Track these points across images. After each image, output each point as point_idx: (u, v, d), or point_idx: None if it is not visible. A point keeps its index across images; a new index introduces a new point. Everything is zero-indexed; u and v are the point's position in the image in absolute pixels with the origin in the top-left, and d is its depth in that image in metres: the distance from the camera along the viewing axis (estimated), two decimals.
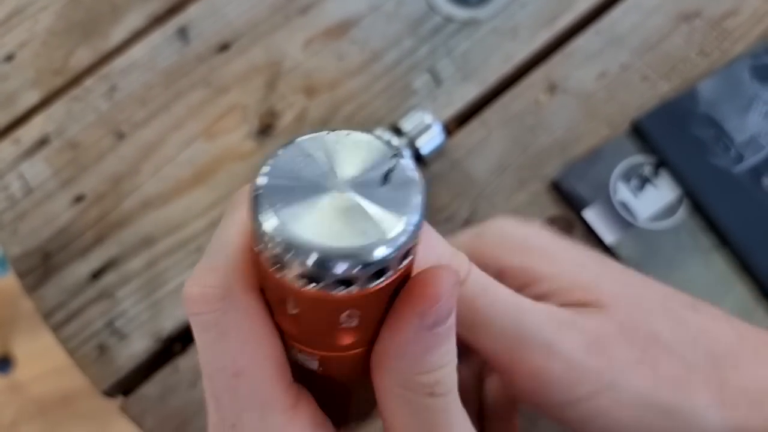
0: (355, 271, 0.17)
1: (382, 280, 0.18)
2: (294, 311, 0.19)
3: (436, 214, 0.45)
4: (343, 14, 0.50)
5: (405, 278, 0.19)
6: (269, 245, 0.17)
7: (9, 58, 0.50)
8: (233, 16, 0.50)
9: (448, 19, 0.49)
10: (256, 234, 0.17)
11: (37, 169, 0.48)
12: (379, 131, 0.42)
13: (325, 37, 0.49)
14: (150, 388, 0.43)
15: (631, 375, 0.22)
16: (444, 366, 0.20)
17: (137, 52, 0.50)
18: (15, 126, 0.49)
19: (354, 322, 0.19)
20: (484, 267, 0.22)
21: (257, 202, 0.17)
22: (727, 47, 0.47)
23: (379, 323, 0.20)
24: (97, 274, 0.45)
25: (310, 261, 0.17)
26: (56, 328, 0.44)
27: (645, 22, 0.48)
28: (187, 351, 0.43)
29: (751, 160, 0.43)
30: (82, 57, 0.50)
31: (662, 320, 0.24)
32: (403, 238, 0.17)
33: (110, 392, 0.44)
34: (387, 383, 0.20)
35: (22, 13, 0.51)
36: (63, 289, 0.45)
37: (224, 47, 0.50)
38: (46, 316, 0.44)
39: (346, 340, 0.20)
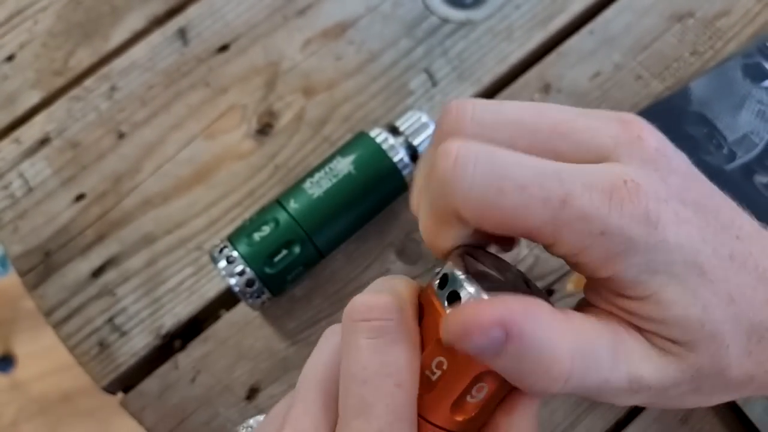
0: None
1: None
2: (438, 370, 0.22)
3: None
4: (340, 15, 0.50)
5: None
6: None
7: (9, 58, 0.51)
8: (232, 17, 0.51)
9: (444, 20, 0.50)
10: None
11: (37, 169, 0.48)
12: (376, 130, 0.43)
13: (323, 38, 0.50)
14: (150, 385, 0.43)
15: (669, 401, 0.24)
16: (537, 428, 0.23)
17: (137, 52, 0.50)
18: (15, 126, 0.49)
19: (480, 396, 0.22)
20: (595, 265, 0.21)
21: None
22: (719, 47, 0.48)
23: (490, 411, 0.23)
24: (97, 272, 0.46)
25: None
26: (57, 326, 0.45)
27: (638, 22, 0.49)
28: (187, 348, 0.44)
29: (744, 157, 0.44)
30: (82, 57, 0.51)
31: (734, 349, 0.23)
32: None
33: (110, 388, 0.44)
34: None
35: (22, 13, 0.52)
36: (64, 286, 0.45)
37: (223, 48, 0.50)
38: (47, 313, 0.45)
39: (467, 415, 0.22)
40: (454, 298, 0.21)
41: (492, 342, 0.19)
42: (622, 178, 0.21)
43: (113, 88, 0.50)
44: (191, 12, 0.51)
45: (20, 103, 0.50)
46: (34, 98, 0.50)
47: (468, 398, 0.22)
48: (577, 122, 0.22)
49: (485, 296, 0.21)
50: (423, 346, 0.22)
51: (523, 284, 0.25)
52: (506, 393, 0.23)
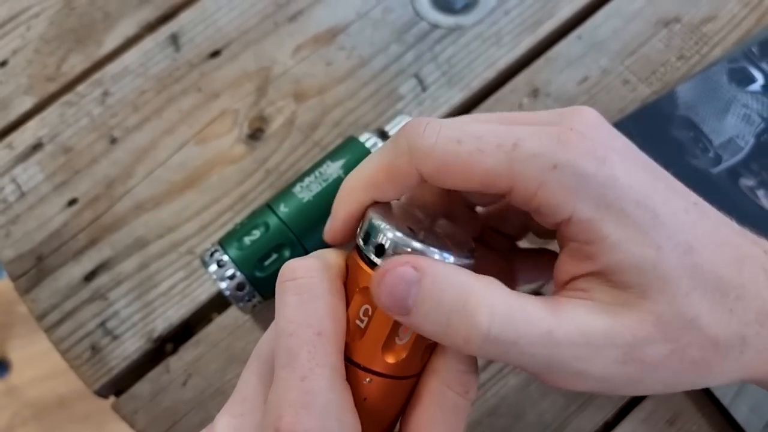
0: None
1: None
2: (365, 319, 0.23)
3: None
4: (331, 21, 0.51)
5: None
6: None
7: (2, 64, 0.51)
8: (224, 23, 0.51)
9: (434, 26, 0.50)
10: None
11: (30, 174, 0.48)
12: (365, 134, 0.43)
13: (314, 44, 0.50)
14: (141, 388, 0.44)
15: (661, 371, 0.23)
16: (475, 372, 0.24)
17: (129, 58, 0.51)
18: (8, 131, 0.50)
19: (407, 337, 0.23)
20: (542, 209, 0.23)
21: None
22: (706, 52, 0.49)
23: (424, 351, 0.24)
24: (89, 276, 0.46)
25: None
26: (49, 330, 0.45)
27: (626, 28, 0.49)
28: (179, 351, 0.44)
29: (729, 161, 0.45)
30: (75, 63, 0.51)
31: (703, 301, 0.22)
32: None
33: (102, 392, 0.44)
34: (433, 383, 0.24)
35: (15, 19, 0.52)
36: (56, 291, 0.46)
37: (215, 53, 0.51)
38: (40, 317, 0.45)
39: (398, 357, 0.24)
40: (380, 251, 0.23)
41: (405, 282, 0.22)
42: (569, 127, 0.23)
43: (106, 94, 0.50)
44: (183, 18, 0.52)
45: (13, 108, 0.50)
46: (26, 104, 0.50)
47: (396, 340, 0.23)
48: (522, 114, 0.25)
49: (412, 242, 0.23)
50: (349, 300, 0.24)
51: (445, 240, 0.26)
52: None
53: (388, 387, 0.24)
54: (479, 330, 0.21)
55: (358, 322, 0.24)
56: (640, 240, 0.22)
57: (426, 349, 0.24)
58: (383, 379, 0.24)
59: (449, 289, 0.22)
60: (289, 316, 0.23)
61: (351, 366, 0.24)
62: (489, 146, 0.22)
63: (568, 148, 0.22)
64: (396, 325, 0.23)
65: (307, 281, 0.24)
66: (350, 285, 0.24)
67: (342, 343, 0.23)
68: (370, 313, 0.23)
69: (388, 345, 0.23)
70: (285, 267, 0.24)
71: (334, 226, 0.26)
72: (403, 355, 0.23)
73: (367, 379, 0.23)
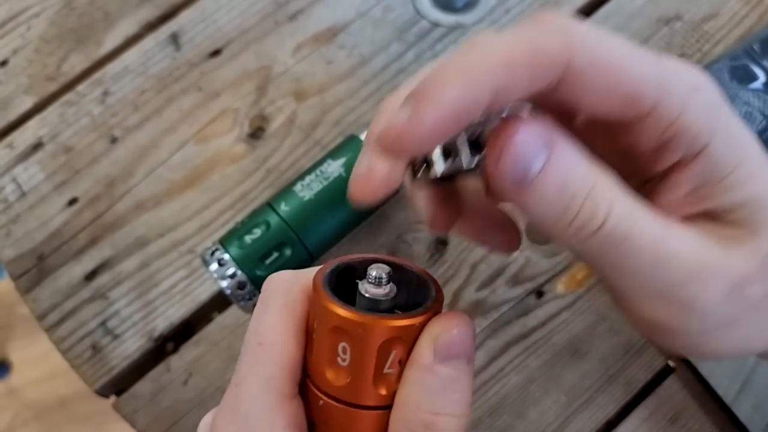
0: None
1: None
2: (345, 356, 0.22)
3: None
4: (331, 20, 0.51)
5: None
6: None
7: (2, 64, 0.51)
8: (224, 22, 0.51)
9: (435, 24, 0.50)
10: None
11: (30, 173, 0.48)
12: (367, 132, 0.43)
13: (314, 43, 0.50)
14: (142, 387, 0.44)
15: (756, 314, 0.22)
16: (446, 415, 0.21)
17: (129, 57, 0.51)
18: (8, 131, 0.50)
19: (396, 365, 0.22)
20: (678, 137, 0.21)
21: None
22: (707, 49, 0.48)
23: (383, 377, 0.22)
24: (90, 276, 0.46)
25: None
26: (50, 329, 0.45)
27: (627, 26, 0.49)
28: (179, 350, 0.44)
29: None
30: (75, 63, 0.51)
31: None
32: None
33: (103, 391, 0.44)
34: (395, 416, 0.22)
35: (15, 19, 0.52)
36: (57, 290, 0.46)
37: (215, 53, 0.51)
38: (40, 317, 0.45)
39: (391, 386, 0.22)
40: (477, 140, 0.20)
41: (533, 150, 0.19)
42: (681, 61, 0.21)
43: (106, 93, 0.50)
44: (183, 17, 0.51)
45: (13, 108, 0.50)
46: (27, 103, 0.50)
47: (386, 370, 0.22)
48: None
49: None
50: (316, 332, 0.23)
51: None
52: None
53: (341, 414, 0.22)
54: (597, 219, 0.19)
55: (340, 361, 0.22)
56: (761, 177, 0.21)
57: (384, 379, 0.22)
58: (336, 404, 0.22)
59: (579, 170, 0.19)
60: (249, 326, 0.24)
61: (309, 384, 0.23)
62: (639, 53, 0.20)
63: (698, 74, 0.21)
64: (381, 356, 0.22)
65: (268, 294, 0.24)
66: (318, 319, 0.22)
67: (289, 356, 0.22)
68: (348, 350, 0.22)
69: (378, 377, 0.22)
70: (267, 278, 0.24)
71: (424, 113, 0.18)
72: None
73: (320, 402, 0.22)
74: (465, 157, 0.20)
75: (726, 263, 0.21)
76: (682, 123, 0.20)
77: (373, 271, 0.22)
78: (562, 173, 0.19)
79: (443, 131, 0.18)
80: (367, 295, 0.22)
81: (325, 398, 0.22)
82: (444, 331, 0.21)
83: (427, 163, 0.21)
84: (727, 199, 0.21)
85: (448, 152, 0.21)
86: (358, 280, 0.23)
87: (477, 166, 0.20)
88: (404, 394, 0.22)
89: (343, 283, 0.24)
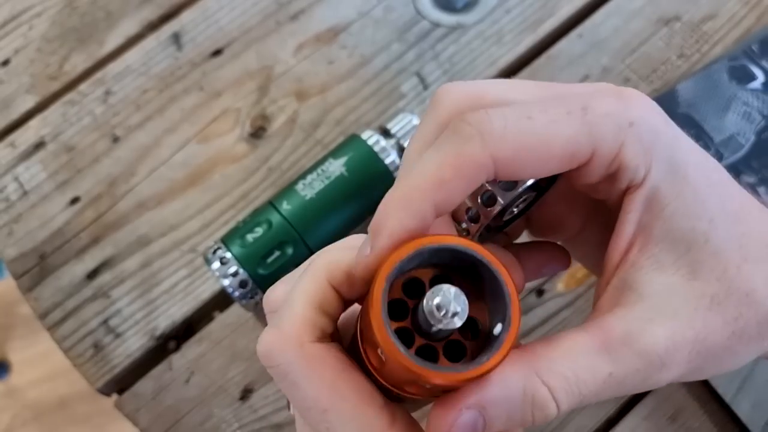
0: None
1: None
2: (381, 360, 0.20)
3: None
4: (333, 20, 0.51)
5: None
6: None
7: (4, 63, 0.51)
8: (225, 22, 0.51)
9: (435, 25, 0.50)
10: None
11: (32, 172, 0.48)
12: (367, 132, 0.43)
13: (316, 43, 0.51)
14: (144, 386, 0.44)
15: (723, 356, 0.22)
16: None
17: (131, 57, 0.51)
18: (10, 130, 0.50)
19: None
20: (621, 171, 0.22)
21: None
22: (706, 50, 0.49)
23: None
24: (92, 274, 0.46)
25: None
26: (52, 328, 0.45)
27: (626, 26, 0.49)
28: (181, 349, 0.44)
29: (730, 158, 0.45)
30: (77, 62, 0.51)
31: (756, 272, 0.22)
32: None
33: (105, 390, 0.44)
34: None
35: (17, 19, 0.52)
36: (59, 289, 0.46)
37: (217, 52, 0.51)
38: (42, 316, 0.45)
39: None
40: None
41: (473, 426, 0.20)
42: (618, 90, 0.22)
43: (108, 93, 0.50)
44: (185, 17, 0.52)
45: (15, 107, 0.50)
46: (29, 103, 0.50)
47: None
48: (558, 84, 0.24)
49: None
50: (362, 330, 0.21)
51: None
52: None
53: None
54: (552, 407, 0.21)
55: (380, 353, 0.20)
56: (695, 212, 0.22)
57: None
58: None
59: (511, 398, 0.20)
60: (291, 400, 0.23)
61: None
62: (560, 115, 0.21)
63: (633, 105, 0.21)
64: None
65: (279, 369, 0.22)
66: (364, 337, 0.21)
67: (351, 409, 0.21)
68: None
69: None
70: (259, 343, 0.22)
71: (379, 247, 0.20)
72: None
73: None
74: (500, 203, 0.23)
75: (675, 340, 0.21)
76: (621, 159, 0.21)
77: (439, 299, 0.19)
78: (504, 413, 0.20)
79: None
80: (429, 325, 0.19)
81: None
82: (448, 426, 0.20)
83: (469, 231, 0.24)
84: (664, 231, 0.22)
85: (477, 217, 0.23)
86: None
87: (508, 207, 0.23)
88: None
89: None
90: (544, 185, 0.25)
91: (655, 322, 0.21)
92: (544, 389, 0.20)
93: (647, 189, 0.22)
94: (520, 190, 0.23)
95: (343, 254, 0.22)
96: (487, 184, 0.23)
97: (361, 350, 0.22)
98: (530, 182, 0.23)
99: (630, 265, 0.23)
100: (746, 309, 0.22)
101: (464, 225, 0.24)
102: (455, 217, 0.25)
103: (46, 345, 0.45)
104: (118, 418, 0.44)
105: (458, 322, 0.19)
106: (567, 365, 0.21)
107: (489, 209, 0.23)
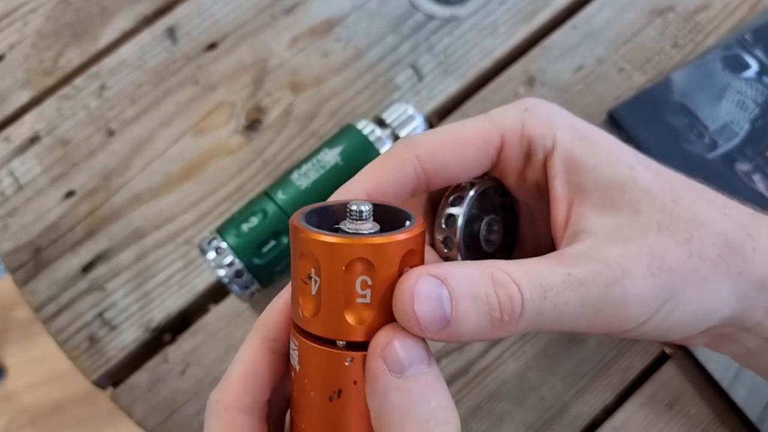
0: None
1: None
2: (316, 283, 0.21)
3: None
4: (327, 13, 0.51)
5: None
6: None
7: None
8: (220, 15, 0.51)
9: (430, 17, 0.50)
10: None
11: (27, 166, 0.48)
12: (363, 122, 0.43)
13: (310, 36, 0.51)
14: (140, 378, 0.44)
15: (688, 276, 0.23)
16: (434, 425, 0.20)
17: (126, 51, 0.51)
18: (5, 125, 0.50)
19: (368, 292, 0.21)
20: (532, 143, 0.25)
21: None
22: (700, 40, 0.49)
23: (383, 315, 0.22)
24: (87, 268, 0.46)
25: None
26: (47, 321, 0.45)
27: (620, 17, 0.50)
28: (176, 341, 0.44)
29: (725, 146, 0.45)
30: (72, 57, 0.51)
31: (695, 204, 0.24)
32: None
33: (100, 383, 0.44)
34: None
35: (11, 15, 0.52)
36: (54, 282, 0.46)
37: (212, 46, 0.51)
38: (37, 309, 0.45)
39: (359, 320, 0.21)
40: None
41: (437, 296, 0.21)
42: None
43: (103, 87, 0.50)
44: (180, 11, 0.52)
45: (10, 102, 0.50)
46: (23, 97, 0.50)
47: (358, 300, 0.21)
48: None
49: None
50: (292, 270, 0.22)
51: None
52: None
53: (319, 358, 0.22)
54: (516, 296, 0.21)
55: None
56: (614, 161, 0.24)
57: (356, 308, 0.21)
58: (312, 343, 0.22)
59: (475, 276, 0.21)
60: None
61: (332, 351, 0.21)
62: (467, 120, 0.25)
63: (526, 99, 0.26)
64: (350, 281, 0.21)
65: (205, 423, 0.24)
66: (293, 253, 0.22)
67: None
68: (319, 279, 0.21)
69: (350, 307, 0.21)
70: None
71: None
72: (371, 314, 0.21)
73: (349, 359, 0.21)
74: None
75: (630, 249, 0.23)
76: (527, 133, 0.25)
77: (354, 206, 0.22)
78: (468, 297, 0.21)
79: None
80: (349, 230, 0.22)
81: (302, 338, 0.22)
82: (386, 344, 0.21)
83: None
84: (592, 185, 0.24)
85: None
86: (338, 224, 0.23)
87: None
88: (382, 423, 0.21)
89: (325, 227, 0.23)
90: (498, 202, 0.29)
91: (607, 245, 0.23)
92: (501, 272, 0.22)
93: (561, 152, 0.25)
94: (469, 196, 0.26)
95: (272, 308, 0.25)
96: (444, 211, 0.27)
97: (296, 337, 0.22)
98: (473, 192, 0.27)
99: (574, 220, 0.24)
100: (696, 231, 0.24)
101: (446, 252, 0.27)
102: (437, 251, 0.28)
103: (42, 349, 0.45)
104: (114, 421, 0.44)
105: (369, 220, 0.22)
106: (523, 265, 0.22)
107: (453, 228, 0.26)
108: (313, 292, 0.21)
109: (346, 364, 0.21)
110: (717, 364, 0.41)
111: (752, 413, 0.40)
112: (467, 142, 0.25)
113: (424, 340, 0.21)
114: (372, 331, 0.21)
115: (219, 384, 0.24)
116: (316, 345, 0.21)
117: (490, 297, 0.21)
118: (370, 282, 0.21)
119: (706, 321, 0.24)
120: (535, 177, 0.26)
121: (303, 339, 0.22)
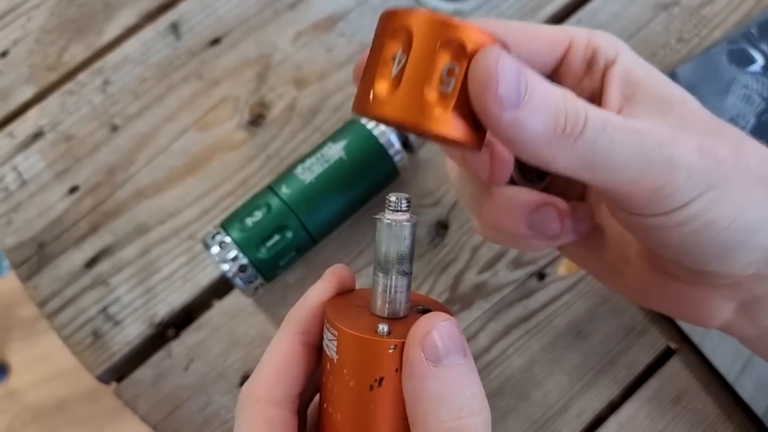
0: None
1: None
2: (400, 63, 0.21)
3: (423, 199, 0.46)
4: (331, 8, 0.51)
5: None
6: None
7: (3, 54, 0.51)
8: (224, 11, 0.51)
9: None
10: None
11: (31, 162, 0.48)
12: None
13: (314, 31, 0.51)
14: (143, 373, 0.43)
15: (732, 172, 0.23)
16: (467, 416, 0.21)
17: (130, 47, 0.51)
18: (9, 120, 0.50)
19: (449, 86, 0.20)
20: (596, 52, 0.26)
21: None
22: (705, 34, 0.49)
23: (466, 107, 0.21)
24: (91, 263, 0.46)
25: None
26: (51, 316, 0.45)
27: (625, 11, 0.49)
28: (180, 336, 0.44)
29: None
30: (76, 52, 0.51)
31: (741, 133, 0.25)
32: None
33: (104, 378, 0.44)
34: None
35: (15, 10, 0.52)
36: (57, 277, 0.46)
37: (215, 41, 0.51)
38: (41, 304, 0.45)
39: (434, 104, 0.20)
40: None
41: (516, 72, 0.21)
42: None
43: (106, 82, 0.50)
44: (183, 7, 0.52)
45: (14, 97, 0.50)
46: (27, 93, 0.50)
47: (439, 87, 0.20)
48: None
49: None
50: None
51: None
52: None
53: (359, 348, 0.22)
54: (581, 116, 0.21)
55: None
56: (667, 84, 0.26)
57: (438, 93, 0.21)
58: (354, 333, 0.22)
59: (550, 86, 0.22)
60: None
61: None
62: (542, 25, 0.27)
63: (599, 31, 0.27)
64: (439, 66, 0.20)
65: (237, 414, 0.25)
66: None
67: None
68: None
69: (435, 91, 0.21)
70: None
71: None
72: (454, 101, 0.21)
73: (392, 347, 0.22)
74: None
75: (685, 126, 0.24)
76: (594, 43, 0.26)
77: (393, 197, 0.23)
78: (542, 90, 0.21)
79: None
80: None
81: (342, 328, 0.22)
82: (425, 333, 0.21)
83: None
84: (644, 86, 0.25)
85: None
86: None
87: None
88: (418, 410, 0.21)
89: None
90: None
91: (665, 125, 0.23)
92: (571, 94, 0.22)
93: (621, 66, 0.26)
94: None
95: (304, 302, 0.25)
96: None
97: (335, 327, 0.23)
98: None
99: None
100: (743, 143, 0.24)
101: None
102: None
103: (45, 347, 0.45)
104: (117, 419, 0.44)
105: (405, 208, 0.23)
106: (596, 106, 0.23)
107: None
108: (394, 73, 0.20)
109: (390, 351, 0.21)
110: (723, 358, 0.41)
111: (759, 408, 0.39)
112: (539, 37, 0.26)
113: (461, 332, 0.22)
114: (440, 124, 0.20)
115: (250, 377, 0.25)
116: (358, 334, 0.22)
117: (559, 103, 0.21)
118: (457, 70, 0.20)
119: (745, 238, 0.23)
120: (591, 87, 0.27)
121: (344, 329, 0.22)
